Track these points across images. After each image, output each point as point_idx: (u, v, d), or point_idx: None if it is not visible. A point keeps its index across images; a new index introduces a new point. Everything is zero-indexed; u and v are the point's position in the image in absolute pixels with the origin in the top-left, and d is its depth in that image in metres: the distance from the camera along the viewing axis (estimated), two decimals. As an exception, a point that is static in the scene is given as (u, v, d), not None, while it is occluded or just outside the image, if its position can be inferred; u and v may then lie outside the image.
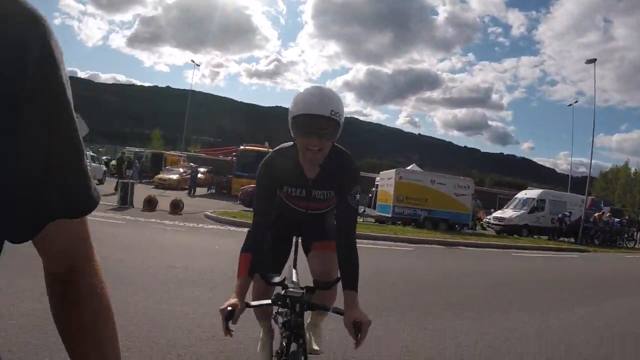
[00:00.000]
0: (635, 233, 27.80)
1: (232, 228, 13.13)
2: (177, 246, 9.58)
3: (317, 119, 2.21)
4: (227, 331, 2.08)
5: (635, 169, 62.03)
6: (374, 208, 26.00)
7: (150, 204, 15.77)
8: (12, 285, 4.88)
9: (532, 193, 28.55)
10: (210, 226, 13.41)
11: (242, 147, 29.28)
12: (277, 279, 2.30)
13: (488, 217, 28.42)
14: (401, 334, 5.08)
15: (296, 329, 2.24)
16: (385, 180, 25.06)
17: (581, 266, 14.86)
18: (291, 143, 2.48)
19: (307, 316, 2.87)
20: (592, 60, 28.79)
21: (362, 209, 23.96)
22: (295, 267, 3.06)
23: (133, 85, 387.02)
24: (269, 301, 2.27)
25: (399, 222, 22.53)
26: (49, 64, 0.67)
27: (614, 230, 26.09)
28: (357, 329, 2.09)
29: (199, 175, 30.82)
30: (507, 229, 25.34)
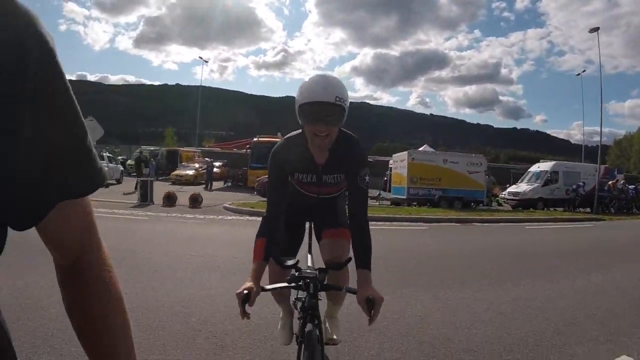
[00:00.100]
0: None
1: (252, 218, 13.37)
2: (199, 237, 9.96)
3: (323, 106, 2.28)
4: (244, 314, 2.19)
5: (649, 134, 61.29)
6: (389, 191, 26.23)
7: (170, 200, 16.23)
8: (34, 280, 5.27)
9: (545, 166, 28.40)
10: (230, 217, 13.78)
11: (255, 139, 29.45)
12: (290, 262, 2.36)
13: (503, 192, 28.43)
14: (415, 306, 5.37)
15: (311, 310, 2.32)
16: (399, 163, 25.26)
17: (596, 235, 14.86)
18: (299, 131, 2.56)
19: (324, 306, 2.99)
20: (595, 29, 28.59)
21: (378, 193, 24.25)
22: (310, 252, 3.16)
23: (143, 85, 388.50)
24: (284, 284, 2.37)
25: (414, 203, 22.67)
26: (47, 53, 0.69)
27: (629, 198, 25.98)
28: (370, 305, 2.14)
29: (215, 169, 31.20)
30: (522, 203, 25.38)
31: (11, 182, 0.66)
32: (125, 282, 5.57)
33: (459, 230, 14.44)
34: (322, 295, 2.80)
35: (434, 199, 22.96)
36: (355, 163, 2.53)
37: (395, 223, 14.50)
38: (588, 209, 24.71)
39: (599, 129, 29.20)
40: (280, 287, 2.40)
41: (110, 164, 28.29)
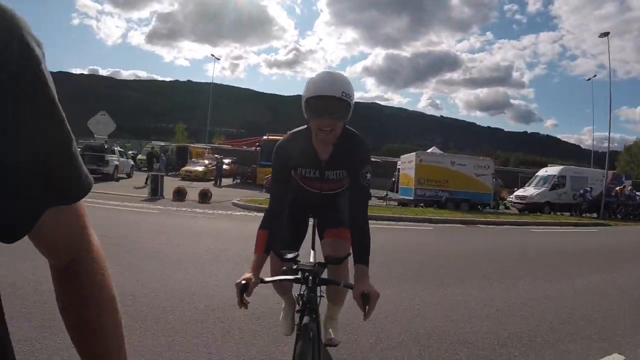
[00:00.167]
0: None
1: (260, 214, 13.27)
2: (208, 231, 10.19)
3: (329, 100, 2.34)
4: (242, 303, 2.24)
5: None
6: (397, 192, 26.32)
7: (179, 194, 16.48)
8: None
9: (552, 170, 28.41)
10: (239, 213, 14.00)
11: (265, 137, 29.55)
12: (290, 255, 2.37)
13: (511, 196, 28.44)
14: (414, 300, 5.56)
15: (309, 303, 2.34)
16: (407, 164, 25.37)
17: (600, 239, 14.96)
18: (305, 126, 2.62)
19: (323, 307, 3.11)
20: (605, 34, 28.52)
21: (385, 193, 24.38)
22: (313, 248, 3.25)
23: (154, 81, 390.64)
24: (282, 276, 2.44)
25: (421, 204, 22.73)
26: (30, 60, 0.68)
27: (636, 204, 25.90)
28: (365, 300, 2.15)
29: (224, 166, 31.41)
30: (529, 207, 25.39)
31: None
32: (137, 271, 5.89)
33: (464, 231, 14.57)
34: (323, 296, 2.96)
35: (440, 200, 23.05)
36: (358, 160, 2.56)
37: (401, 223, 14.68)
38: (595, 215, 24.71)
39: (607, 135, 29.12)
40: (278, 280, 2.45)
41: (121, 158, 28.52)
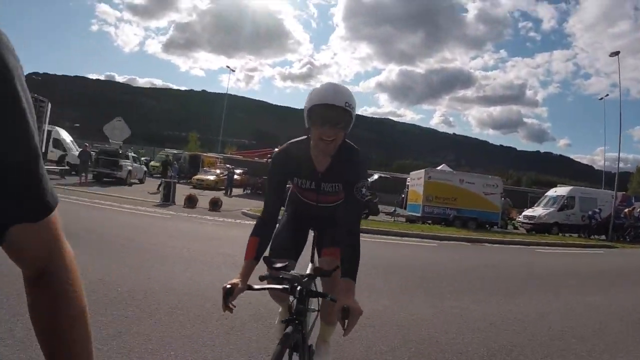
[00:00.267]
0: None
1: None
2: (218, 237, 10.51)
3: (333, 109, 2.33)
4: (226, 307, 2.22)
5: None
6: (406, 208, 26.46)
7: (191, 202, 16.85)
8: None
9: (562, 190, 28.36)
10: (248, 222, 14.21)
11: (277, 149, 29.88)
12: (279, 264, 2.31)
13: (520, 216, 28.43)
14: (410, 310, 5.79)
15: (296, 314, 2.26)
16: (415, 180, 25.55)
17: (605, 261, 15.02)
18: (304, 137, 2.62)
19: (316, 329, 3.17)
20: (615, 53, 28.51)
21: (393, 209, 24.54)
22: (312, 261, 3.27)
23: (170, 89, 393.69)
24: (271, 285, 2.34)
25: (429, 222, 22.82)
26: (3, 74, 0.69)
27: (645, 226, 25.44)
28: (345, 315, 2.08)
29: (235, 176, 31.73)
30: (537, 227, 25.34)
31: None
32: (149, 269, 6.21)
33: (468, 249, 14.73)
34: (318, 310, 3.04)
35: (448, 218, 23.16)
36: (354, 173, 2.54)
37: (405, 239, 14.86)
38: (603, 236, 24.53)
39: (622, 155, 29.00)
40: (265, 289, 2.36)
41: (135, 164, 29.02)
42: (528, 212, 28.06)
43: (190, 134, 75.10)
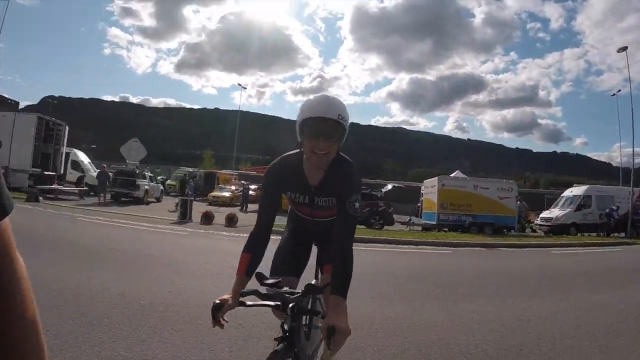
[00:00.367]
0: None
1: None
2: (234, 251, 10.67)
3: (325, 122, 2.28)
4: (215, 322, 2.18)
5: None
6: (421, 217, 26.58)
7: (207, 218, 17.13)
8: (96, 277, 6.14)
9: (577, 190, 28.19)
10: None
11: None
12: (270, 281, 2.23)
13: (537, 218, 28.34)
14: (422, 315, 5.96)
15: (289, 332, 2.19)
16: (429, 189, 25.67)
17: (622, 258, 15.03)
18: (297, 150, 2.55)
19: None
20: (623, 49, 28.45)
21: (408, 218, 24.59)
22: (316, 278, 3.18)
23: (183, 109, 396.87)
24: (263, 302, 2.22)
25: (445, 229, 22.84)
26: None
27: (664, 222, 24.99)
28: (330, 333, 2.00)
29: (250, 192, 32.03)
30: (555, 229, 25.22)
31: None
32: (169, 283, 6.46)
33: (483, 254, 14.80)
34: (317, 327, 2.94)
35: (464, 224, 23.17)
36: (347, 187, 2.47)
37: (421, 247, 14.95)
38: (623, 234, 24.28)
39: (637, 150, 28.79)
40: (258, 305, 2.23)
41: (152, 183, 29.55)
42: (545, 214, 27.93)
43: (205, 152, 75.87)
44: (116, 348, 3.84)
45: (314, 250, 3.21)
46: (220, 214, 18.35)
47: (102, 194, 24.21)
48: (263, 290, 2.20)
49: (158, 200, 30.11)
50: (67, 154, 29.95)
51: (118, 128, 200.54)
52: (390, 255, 12.73)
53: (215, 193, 33.73)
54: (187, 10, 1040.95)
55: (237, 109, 64.17)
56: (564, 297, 7.61)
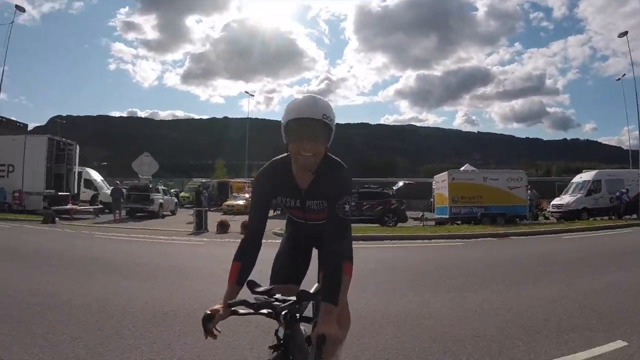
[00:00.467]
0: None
1: None
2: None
3: (310, 123, 2.25)
4: (206, 333, 2.15)
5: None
6: (434, 212, 26.76)
7: (223, 227, 17.48)
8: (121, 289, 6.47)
9: (587, 175, 28.20)
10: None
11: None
12: (261, 288, 2.20)
13: (549, 205, 28.42)
14: (430, 303, 6.25)
15: (283, 340, 2.18)
16: (440, 184, 25.84)
17: (630, 239, 15.22)
18: (285, 154, 2.50)
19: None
20: (624, 34, 28.42)
21: (421, 214, 24.78)
22: (319, 281, 2.97)
23: (192, 119, 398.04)
24: (255, 310, 2.14)
25: (457, 222, 23.00)
26: None
27: (674, 201, 24.98)
28: (320, 342, 1.98)
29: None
30: (566, 215, 25.33)
31: None
32: (189, 291, 6.82)
33: (494, 244, 15.03)
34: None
35: (476, 216, 23.29)
36: (337, 189, 2.43)
37: (433, 241, 15.25)
38: (634, 215, 24.34)
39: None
40: (250, 314, 2.17)
41: (166, 196, 29.90)
42: (556, 201, 28.01)
43: (217, 161, 76.17)
44: (145, 352, 4.14)
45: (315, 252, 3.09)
46: (235, 222, 18.72)
47: (117, 211, 24.50)
48: (252, 299, 2.14)
49: (173, 213, 30.42)
50: (80, 173, 30.34)
51: (128, 143, 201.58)
52: (403, 250, 13.04)
53: (229, 202, 34.10)
54: (190, 21, 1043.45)
55: (246, 116, 64.53)
56: (571, 281, 7.77)
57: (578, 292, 6.80)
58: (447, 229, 19.39)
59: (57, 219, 20.82)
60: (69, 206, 24.68)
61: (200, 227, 18.31)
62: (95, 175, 33.92)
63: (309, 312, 2.38)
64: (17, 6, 30.53)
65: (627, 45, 29.24)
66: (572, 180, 29.56)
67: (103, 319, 5.27)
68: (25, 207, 24.30)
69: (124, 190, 26.84)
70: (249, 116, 67.40)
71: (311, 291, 2.46)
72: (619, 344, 4.40)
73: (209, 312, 2.17)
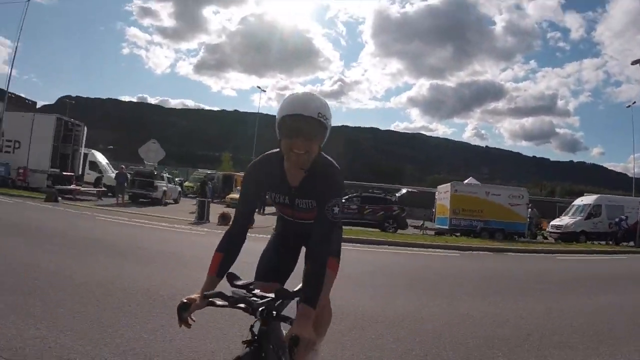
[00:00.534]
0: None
1: None
2: (251, 251, 11.20)
3: (304, 120, 2.18)
4: (181, 322, 2.11)
5: None
6: (435, 222, 27.03)
7: (224, 219, 17.60)
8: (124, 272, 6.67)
9: (588, 199, 28.53)
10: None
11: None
12: (240, 282, 2.17)
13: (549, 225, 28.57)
14: (421, 309, 6.41)
15: (258, 336, 2.12)
16: (442, 194, 26.06)
17: (624, 265, 15.34)
18: (278, 150, 2.44)
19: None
20: (637, 61, 28.46)
21: (422, 222, 24.99)
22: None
23: (202, 110, 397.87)
24: (232, 304, 2.06)
25: (457, 234, 23.23)
26: None
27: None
28: (294, 343, 1.94)
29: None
30: (565, 236, 25.52)
31: None
32: (187, 278, 7.06)
33: (490, 257, 15.22)
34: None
35: (475, 230, 23.51)
36: (327, 190, 2.37)
37: (430, 249, 15.40)
38: (631, 243, 24.43)
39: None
40: (227, 306, 2.07)
41: (169, 185, 30.07)
42: (555, 221, 28.28)
43: (224, 154, 76.29)
44: (139, 331, 4.32)
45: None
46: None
47: (120, 195, 24.70)
48: (229, 292, 2.08)
49: (176, 201, 30.64)
50: (85, 155, 30.52)
51: (136, 129, 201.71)
52: (399, 256, 13.19)
53: (233, 195, 34.19)
54: (207, 11, 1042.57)
55: (257, 111, 64.58)
56: (561, 299, 7.94)
57: (566, 311, 6.92)
58: (445, 239, 19.55)
59: (59, 198, 20.98)
60: (73, 186, 24.87)
61: (202, 217, 18.56)
62: (101, 158, 34.13)
63: (290, 311, 2.26)
64: (34, -15, 30.76)
65: (639, 72, 29.24)
66: (573, 203, 29.89)
67: (103, 296, 5.48)
68: (29, 184, 24.52)
69: (129, 175, 26.96)
70: (260, 111, 67.46)
71: (295, 289, 2.39)
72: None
73: (185, 300, 2.11)
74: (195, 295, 2.14)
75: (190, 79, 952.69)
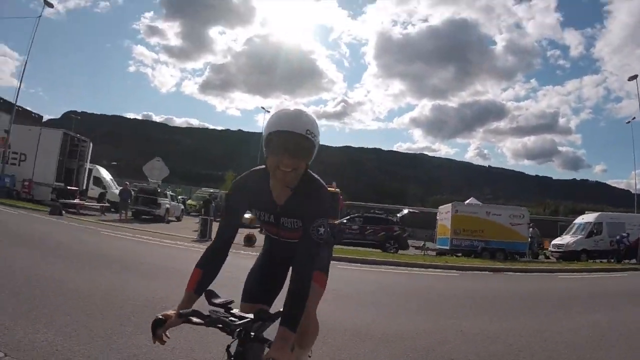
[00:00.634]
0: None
1: None
2: (246, 268, 11.43)
3: (292, 136, 2.13)
4: (155, 338, 2.07)
5: None
6: (436, 242, 27.08)
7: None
8: (128, 285, 6.85)
9: (589, 217, 28.53)
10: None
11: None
12: (219, 300, 2.11)
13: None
14: (417, 324, 6.60)
15: (234, 356, 2.06)
16: (444, 215, 26.21)
17: (624, 282, 15.41)
18: (264, 166, 2.36)
19: None
20: (634, 77, 28.62)
21: (423, 243, 25.06)
22: None
23: (206, 129, 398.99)
24: (210, 323, 2.02)
25: (458, 254, 23.21)
26: None
27: (674, 248, 24.98)
28: None
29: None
30: (566, 255, 25.51)
31: None
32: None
33: (489, 277, 15.32)
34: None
35: (476, 250, 23.55)
36: (313, 209, 2.31)
37: (429, 269, 15.46)
38: (633, 260, 24.35)
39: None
40: (204, 324, 2.02)
41: (172, 202, 30.12)
42: (556, 240, 28.21)
43: (228, 173, 76.55)
44: (142, 340, 4.47)
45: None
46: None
47: (123, 211, 24.90)
48: (206, 312, 2.04)
49: (178, 219, 30.61)
50: (90, 170, 30.82)
51: (140, 146, 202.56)
52: (399, 276, 13.29)
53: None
54: (214, 32, 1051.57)
55: (260, 131, 64.98)
56: (556, 317, 7.99)
57: (559, 328, 7.00)
58: (445, 259, 19.62)
59: (63, 212, 21.16)
60: (77, 201, 25.07)
61: (204, 235, 18.76)
62: (105, 174, 34.38)
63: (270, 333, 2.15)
64: (45, 1, 31.41)
65: (637, 88, 29.38)
66: (574, 221, 29.89)
67: (108, 307, 5.69)
68: (33, 197, 24.77)
69: (133, 192, 27.13)
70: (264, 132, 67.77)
71: (277, 311, 2.29)
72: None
73: (161, 317, 2.08)
74: (171, 312, 2.10)
75: (195, 98, 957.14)
